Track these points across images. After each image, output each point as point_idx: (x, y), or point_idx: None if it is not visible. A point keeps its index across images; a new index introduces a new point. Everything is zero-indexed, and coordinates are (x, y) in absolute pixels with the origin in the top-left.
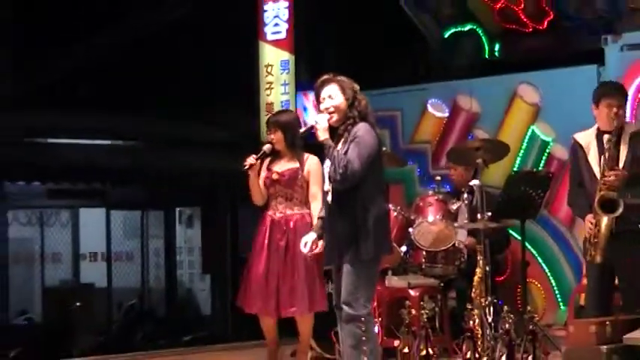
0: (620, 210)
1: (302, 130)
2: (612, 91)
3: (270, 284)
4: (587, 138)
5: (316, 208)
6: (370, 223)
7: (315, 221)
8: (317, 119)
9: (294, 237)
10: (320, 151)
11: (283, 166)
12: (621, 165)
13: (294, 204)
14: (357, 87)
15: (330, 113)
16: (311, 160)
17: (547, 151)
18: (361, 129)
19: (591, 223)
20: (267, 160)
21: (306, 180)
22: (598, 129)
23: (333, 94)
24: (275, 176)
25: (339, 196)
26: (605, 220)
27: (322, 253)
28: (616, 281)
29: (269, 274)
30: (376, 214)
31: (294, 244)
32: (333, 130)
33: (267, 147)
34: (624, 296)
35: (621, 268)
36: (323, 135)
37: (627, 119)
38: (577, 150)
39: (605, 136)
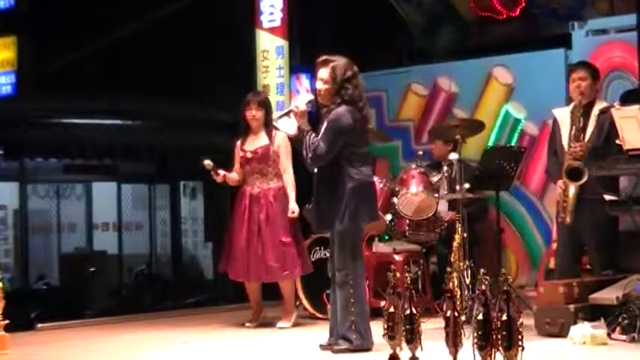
0: (585, 178)
1: (280, 113)
2: (577, 66)
3: (251, 254)
4: (564, 113)
5: (289, 180)
6: (345, 196)
7: (289, 192)
8: (296, 104)
9: (272, 209)
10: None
11: (255, 144)
12: (587, 137)
13: (269, 178)
14: (350, 72)
15: (318, 95)
16: (279, 135)
17: (519, 128)
18: (338, 112)
19: (561, 188)
20: (238, 143)
21: (277, 154)
22: (574, 105)
23: (324, 79)
24: (249, 155)
25: (319, 170)
26: (572, 187)
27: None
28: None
29: (250, 244)
30: (352, 187)
31: (274, 215)
32: (320, 109)
33: (207, 163)
34: (591, 260)
35: (587, 234)
36: (300, 119)
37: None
38: (554, 123)
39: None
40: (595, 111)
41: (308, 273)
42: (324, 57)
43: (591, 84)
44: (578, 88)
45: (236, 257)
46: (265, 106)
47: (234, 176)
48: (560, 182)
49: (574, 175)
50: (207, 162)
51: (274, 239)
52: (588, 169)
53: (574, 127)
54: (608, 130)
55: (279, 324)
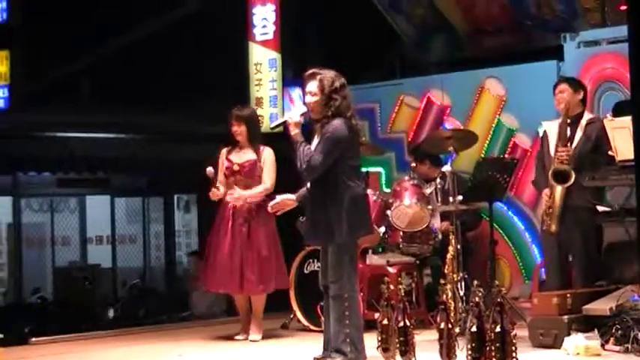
0: (572, 181)
1: (275, 123)
2: (561, 80)
3: (234, 266)
4: (552, 125)
5: (258, 189)
6: (343, 208)
7: (252, 190)
8: (290, 115)
9: (254, 223)
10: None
11: (242, 157)
12: (574, 145)
13: None
14: (338, 84)
15: (308, 109)
16: (267, 152)
17: (511, 139)
18: (333, 125)
19: (547, 196)
20: (224, 151)
21: (262, 169)
22: (561, 116)
23: (312, 92)
24: (236, 167)
25: (315, 183)
26: (558, 191)
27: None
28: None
29: (233, 256)
30: (349, 199)
31: (256, 229)
32: (313, 124)
33: (209, 170)
34: (576, 269)
35: (572, 242)
36: (294, 130)
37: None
38: (544, 135)
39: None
40: (583, 122)
41: (283, 289)
42: (311, 70)
43: (572, 94)
44: (559, 101)
45: (217, 269)
46: (247, 120)
47: (219, 192)
48: (546, 190)
49: (560, 178)
50: (210, 169)
51: (254, 253)
52: (578, 177)
53: (560, 133)
54: (595, 139)
55: (251, 336)
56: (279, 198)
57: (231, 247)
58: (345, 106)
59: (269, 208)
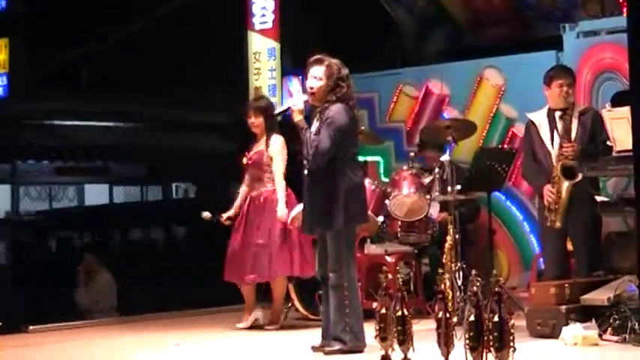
0: (580, 176)
1: (278, 111)
2: (562, 73)
3: (246, 255)
4: (539, 116)
5: (277, 184)
6: (340, 196)
7: (278, 196)
8: (294, 102)
9: (262, 210)
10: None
11: (254, 149)
12: (573, 138)
13: (265, 182)
14: (344, 73)
15: (310, 93)
16: (274, 141)
17: (510, 129)
18: (333, 110)
19: (551, 192)
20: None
21: (271, 159)
22: (549, 108)
23: (318, 76)
24: (245, 160)
25: (312, 170)
26: (565, 187)
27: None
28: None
29: (245, 245)
30: (346, 187)
31: (262, 216)
32: (312, 109)
33: (205, 215)
34: (577, 259)
35: (574, 232)
36: (297, 117)
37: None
38: (530, 127)
39: (557, 114)
40: (575, 113)
41: (290, 275)
42: (317, 56)
43: (574, 89)
44: (568, 95)
45: (231, 260)
46: (263, 111)
47: (228, 217)
48: (548, 186)
49: (568, 174)
50: (206, 214)
51: (251, 241)
52: (580, 170)
53: (564, 128)
54: (591, 129)
55: (267, 325)
56: (297, 210)
57: (243, 237)
58: (348, 95)
59: (288, 223)
